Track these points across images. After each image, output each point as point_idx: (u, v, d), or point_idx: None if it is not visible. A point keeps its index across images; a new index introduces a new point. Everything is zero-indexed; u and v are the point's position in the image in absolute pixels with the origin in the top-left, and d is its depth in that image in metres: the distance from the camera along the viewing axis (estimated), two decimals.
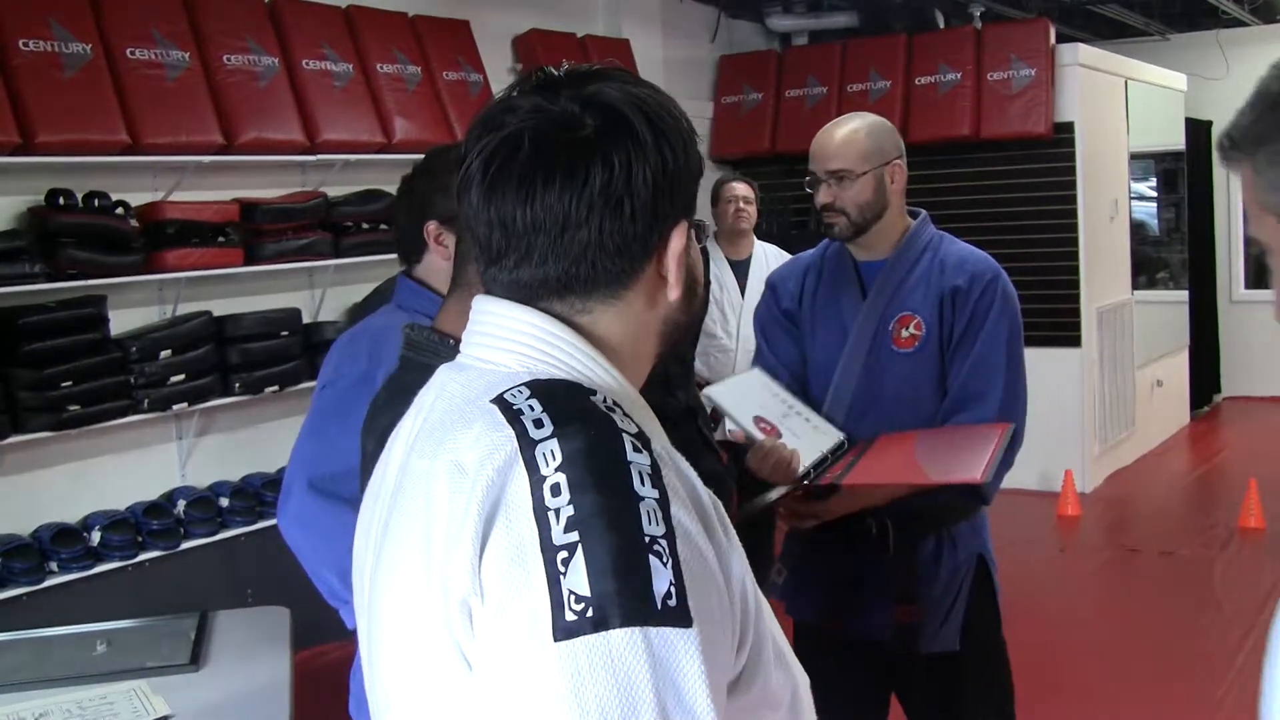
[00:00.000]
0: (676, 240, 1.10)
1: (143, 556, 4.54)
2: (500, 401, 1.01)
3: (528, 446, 0.97)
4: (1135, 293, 8.32)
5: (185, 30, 4.80)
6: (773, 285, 2.84)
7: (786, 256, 5.36)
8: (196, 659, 2.57)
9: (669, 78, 7.26)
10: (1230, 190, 10.19)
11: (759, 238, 5.38)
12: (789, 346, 2.73)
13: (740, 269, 5.25)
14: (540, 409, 0.99)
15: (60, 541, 4.32)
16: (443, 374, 1.14)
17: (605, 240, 1.06)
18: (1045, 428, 5.68)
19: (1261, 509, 6.54)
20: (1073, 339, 7.36)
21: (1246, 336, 10.11)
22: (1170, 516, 7.24)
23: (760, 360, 2.79)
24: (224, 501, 4.86)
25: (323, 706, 2.55)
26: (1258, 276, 10.28)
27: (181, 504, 4.73)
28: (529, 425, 0.98)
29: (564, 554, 0.92)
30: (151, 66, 4.64)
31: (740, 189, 5.20)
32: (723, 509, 1.06)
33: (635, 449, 0.97)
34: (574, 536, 0.92)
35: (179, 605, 3.44)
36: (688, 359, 2.36)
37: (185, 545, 4.68)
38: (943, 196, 7.22)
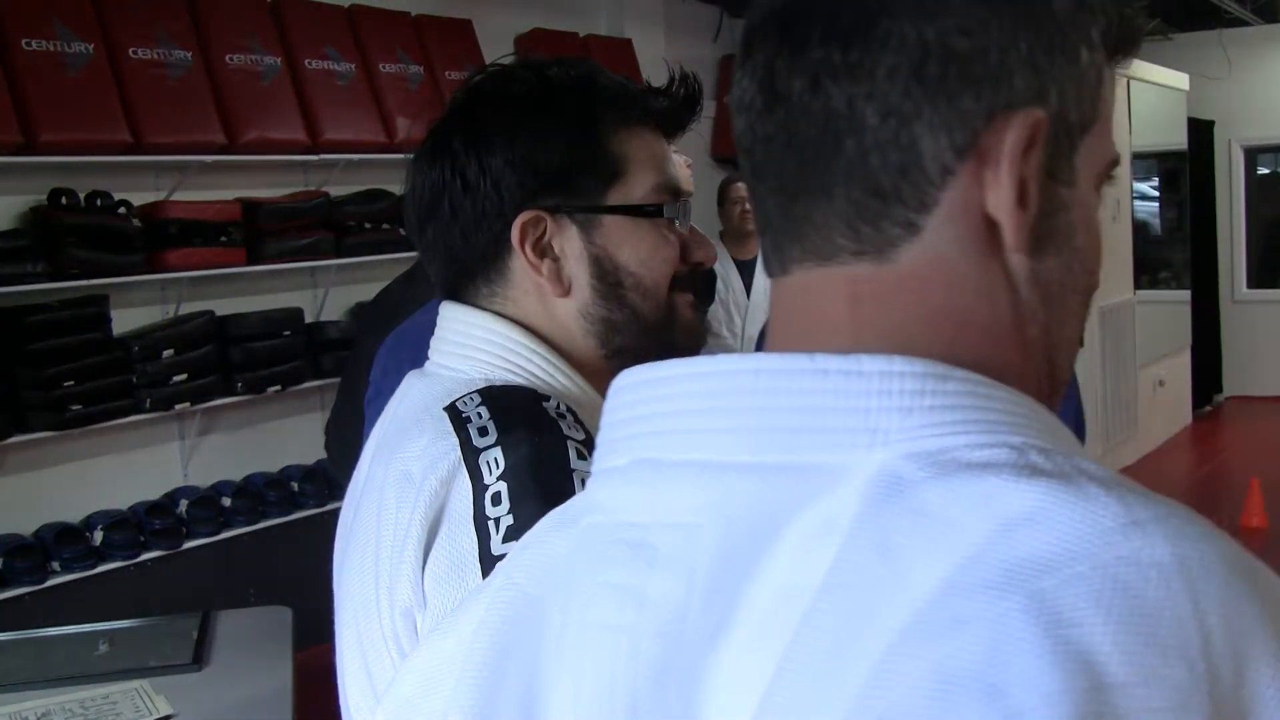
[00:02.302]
0: (520, 230, 1.07)
1: (145, 556, 4.54)
2: (451, 409, 1.00)
3: (471, 455, 0.96)
4: (1137, 292, 8.32)
5: (188, 30, 4.80)
6: None
7: None
8: (199, 659, 2.57)
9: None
10: (1232, 190, 10.20)
11: None
12: None
13: (746, 269, 5.24)
14: (487, 416, 0.98)
15: (62, 541, 4.32)
16: (408, 380, 1.13)
17: (454, 233, 1.09)
18: None
19: (1264, 508, 6.53)
20: None
21: (1249, 336, 10.11)
22: None
23: None
24: (226, 501, 4.86)
25: (325, 706, 2.55)
26: (1260, 276, 10.29)
27: (184, 504, 4.73)
28: (474, 433, 0.97)
29: None
30: (154, 66, 4.64)
31: (745, 189, 5.18)
32: None
33: (580, 456, 0.95)
34: (511, 547, 0.90)
35: (181, 605, 3.45)
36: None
37: (187, 545, 4.68)
38: None
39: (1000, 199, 0.55)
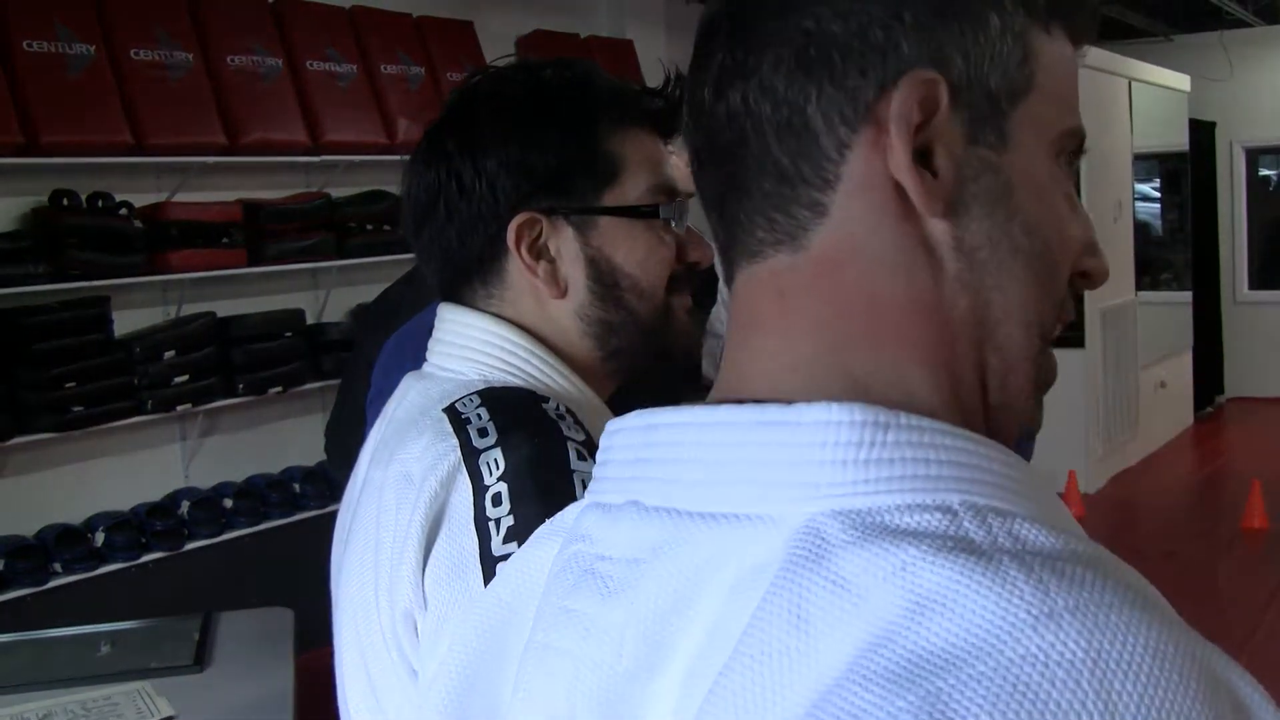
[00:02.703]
0: (516, 232, 1.07)
1: (146, 557, 4.54)
2: (451, 410, 1.00)
3: (471, 456, 0.96)
4: (1139, 293, 8.32)
5: (189, 31, 4.80)
6: None
7: None
8: (200, 660, 2.57)
9: None
10: (1233, 190, 10.19)
11: None
12: None
13: None
14: (487, 417, 0.98)
15: (64, 543, 4.32)
16: (406, 382, 1.13)
17: (450, 235, 1.09)
18: (1048, 428, 5.65)
19: (1265, 509, 6.53)
20: (1076, 339, 7.34)
21: (1250, 337, 10.10)
22: (1174, 517, 7.24)
23: None
24: (227, 502, 4.86)
25: (326, 707, 2.55)
26: (1261, 277, 10.28)
27: (185, 505, 4.73)
28: (473, 435, 0.97)
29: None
30: (155, 67, 4.64)
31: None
32: None
33: (580, 457, 0.95)
34: (513, 548, 0.91)
35: (182, 606, 3.44)
36: (695, 360, 2.35)
37: (189, 546, 4.68)
38: None
39: (896, 160, 0.55)
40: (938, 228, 0.56)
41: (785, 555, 0.49)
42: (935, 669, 0.43)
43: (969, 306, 0.57)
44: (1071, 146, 0.60)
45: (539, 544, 0.66)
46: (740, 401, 0.55)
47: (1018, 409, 0.60)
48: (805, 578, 0.48)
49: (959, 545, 0.47)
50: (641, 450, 0.58)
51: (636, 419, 0.59)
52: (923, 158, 0.55)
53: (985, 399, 0.59)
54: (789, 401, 0.53)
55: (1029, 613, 0.44)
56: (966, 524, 0.48)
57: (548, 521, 0.67)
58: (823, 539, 0.49)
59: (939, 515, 0.49)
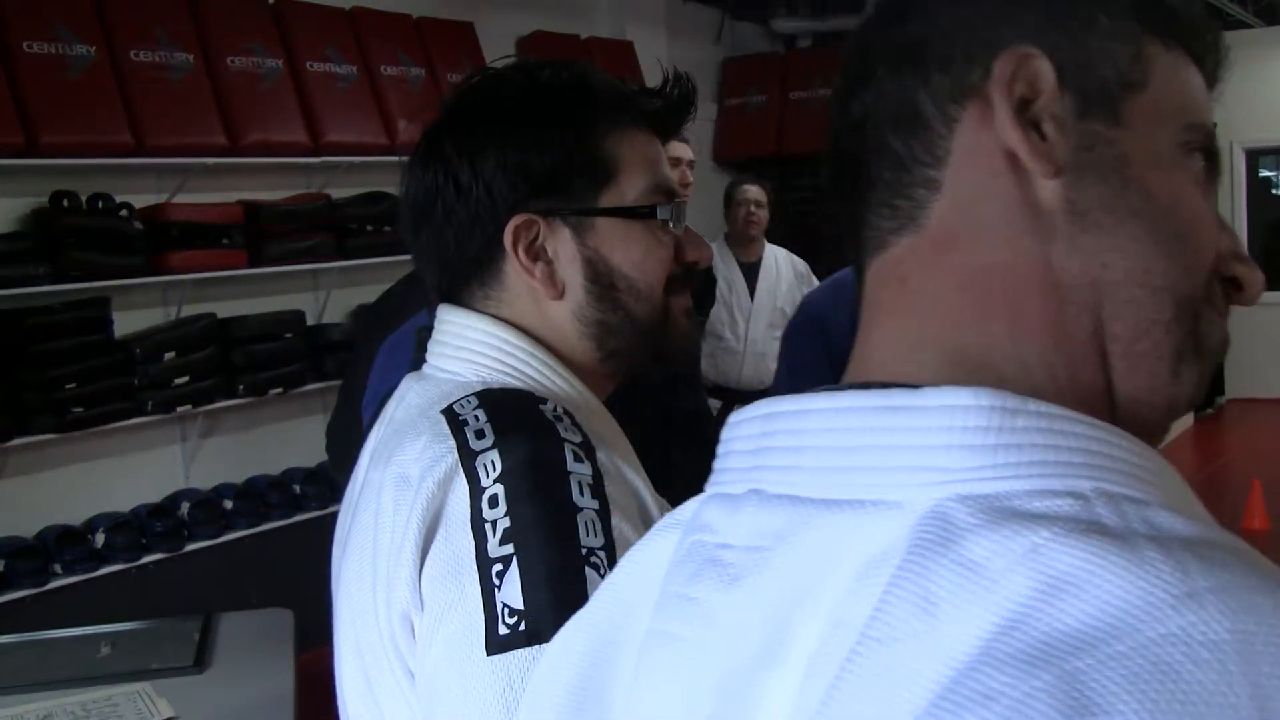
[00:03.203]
0: (513, 233, 1.07)
1: (147, 559, 4.54)
2: (448, 412, 1.00)
3: (468, 457, 0.95)
4: None
5: (189, 32, 4.81)
6: (818, 319, 2.42)
7: (798, 260, 5.35)
8: (201, 661, 2.57)
9: None
10: (1233, 190, 10.19)
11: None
12: None
13: (750, 271, 5.24)
14: (484, 419, 0.98)
15: (64, 543, 4.33)
16: (405, 383, 1.13)
17: (448, 236, 1.09)
18: None
19: (1266, 510, 6.53)
20: None
21: (1251, 339, 10.10)
22: None
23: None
24: (228, 504, 4.86)
25: (326, 708, 2.55)
26: (1265, 278, 10.28)
27: (185, 506, 4.73)
28: (470, 436, 0.97)
29: (499, 566, 0.91)
30: (156, 68, 4.64)
31: (752, 192, 5.15)
32: None
33: (577, 459, 0.95)
34: (509, 549, 0.91)
35: (183, 607, 3.45)
36: (694, 361, 2.35)
37: (189, 547, 4.68)
38: None
39: (1001, 122, 0.57)
40: (1048, 189, 0.57)
41: (911, 540, 0.49)
42: (1071, 649, 0.42)
43: (1081, 269, 0.56)
44: (1198, 142, 0.60)
45: (656, 536, 0.65)
46: (864, 386, 0.55)
47: (1150, 379, 0.58)
48: (933, 562, 0.47)
49: (1092, 528, 0.46)
50: (762, 439, 0.58)
51: (758, 409, 0.59)
52: (1033, 129, 0.57)
53: (1106, 369, 0.57)
54: (910, 385, 0.53)
55: (1168, 593, 0.43)
56: (1099, 509, 0.48)
57: (667, 514, 0.66)
58: (950, 523, 0.48)
59: (1070, 500, 0.48)
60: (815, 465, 0.54)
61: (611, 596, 0.66)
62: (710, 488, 0.62)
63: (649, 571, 0.63)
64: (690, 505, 0.64)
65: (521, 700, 0.85)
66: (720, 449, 0.62)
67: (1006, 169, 0.57)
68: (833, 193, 0.64)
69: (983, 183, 0.57)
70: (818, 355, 2.46)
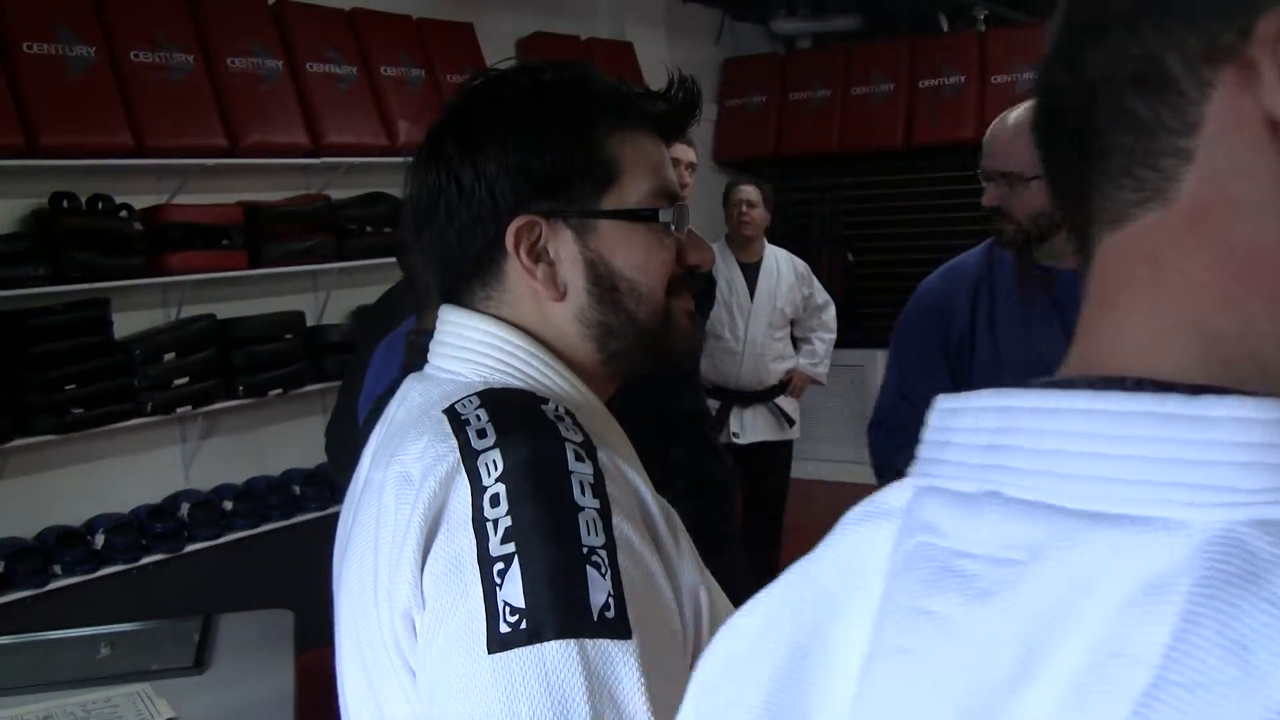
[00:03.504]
0: (515, 234, 1.07)
1: (146, 559, 4.54)
2: (450, 412, 1.01)
3: (470, 457, 0.96)
4: None
5: (189, 33, 4.81)
6: (933, 309, 2.41)
7: (798, 261, 5.35)
8: (200, 662, 2.57)
9: None
10: None
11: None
12: (939, 384, 2.45)
13: (750, 271, 5.24)
14: (486, 419, 0.98)
15: (64, 544, 4.32)
16: (407, 384, 1.14)
17: (450, 237, 1.10)
18: None
19: None
20: None
21: None
22: None
23: (904, 392, 2.38)
24: (228, 504, 4.86)
25: (326, 709, 2.55)
26: None
27: (185, 507, 4.73)
28: (472, 436, 0.97)
29: (500, 565, 0.91)
30: (155, 69, 4.64)
31: (745, 192, 5.14)
32: (676, 517, 1.05)
33: (578, 458, 0.96)
34: (510, 548, 0.91)
35: (183, 608, 3.44)
36: (694, 362, 2.35)
37: (189, 548, 4.68)
38: (948, 200, 7.21)
39: (1268, 89, 0.52)
40: None
41: (1203, 569, 0.44)
42: None
43: None
44: None
45: (860, 527, 0.60)
46: (1107, 380, 0.51)
47: None
48: (1239, 599, 0.43)
49: None
50: (996, 435, 0.54)
51: (982, 399, 0.55)
52: None
53: None
54: (1166, 380, 0.49)
55: None
56: None
57: (863, 502, 0.61)
58: (1250, 553, 0.44)
59: None
60: (1075, 473, 0.50)
61: (814, 590, 0.61)
62: (921, 479, 0.57)
63: (859, 568, 0.58)
64: (897, 494, 0.59)
65: (519, 698, 0.83)
66: (928, 435, 0.58)
67: (1268, 139, 0.52)
68: (1048, 160, 0.59)
69: (1241, 155, 0.53)
70: (929, 346, 2.40)
